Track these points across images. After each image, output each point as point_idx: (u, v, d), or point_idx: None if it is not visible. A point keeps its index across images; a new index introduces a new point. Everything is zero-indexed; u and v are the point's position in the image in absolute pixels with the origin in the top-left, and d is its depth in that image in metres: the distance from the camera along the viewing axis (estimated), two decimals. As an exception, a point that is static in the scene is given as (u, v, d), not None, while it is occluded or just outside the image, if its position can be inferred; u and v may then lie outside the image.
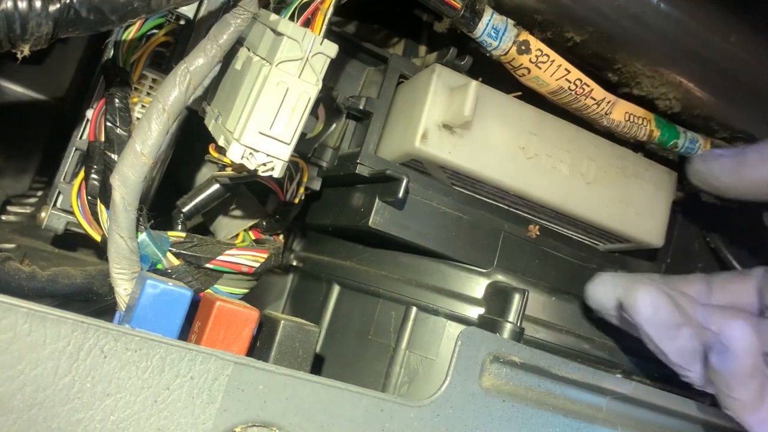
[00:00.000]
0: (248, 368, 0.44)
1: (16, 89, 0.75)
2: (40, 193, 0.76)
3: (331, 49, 0.47)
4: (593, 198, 0.65)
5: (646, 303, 0.53)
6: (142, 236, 0.53)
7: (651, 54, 0.61)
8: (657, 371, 0.64)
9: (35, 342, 0.38)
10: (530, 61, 0.58)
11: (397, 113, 0.63)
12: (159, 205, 0.62)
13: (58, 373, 0.39)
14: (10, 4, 0.40)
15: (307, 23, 0.48)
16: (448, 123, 0.58)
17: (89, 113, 0.57)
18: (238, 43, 0.52)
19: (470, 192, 0.65)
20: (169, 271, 0.55)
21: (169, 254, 0.55)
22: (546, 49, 0.58)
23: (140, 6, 0.43)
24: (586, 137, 0.65)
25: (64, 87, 0.75)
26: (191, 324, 0.50)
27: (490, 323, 0.57)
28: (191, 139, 0.67)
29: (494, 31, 0.56)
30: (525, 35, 0.57)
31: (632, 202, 0.66)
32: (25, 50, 0.41)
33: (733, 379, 0.52)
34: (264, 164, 0.48)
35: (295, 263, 0.77)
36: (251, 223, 0.65)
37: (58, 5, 0.41)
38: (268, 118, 0.47)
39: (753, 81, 0.62)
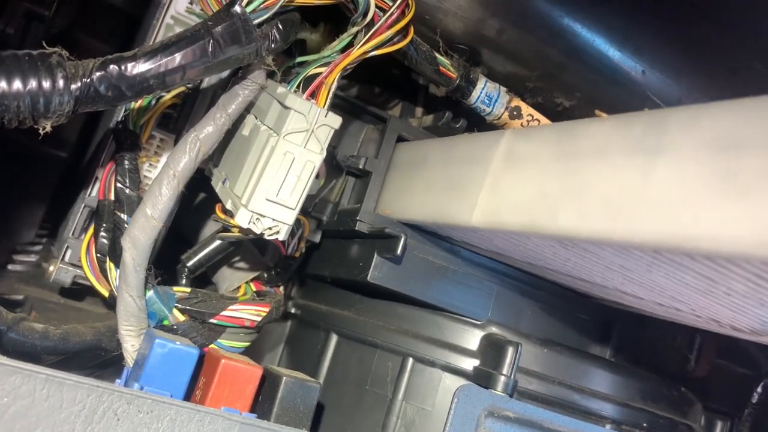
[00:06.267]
0: (254, 428, 0.45)
1: (23, 141, 0.77)
2: (44, 241, 0.78)
3: (335, 121, 0.50)
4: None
5: None
6: (150, 294, 0.55)
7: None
8: (646, 421, 0.66)
9: (52, 406, 0.40)
10: (521, 125, 0.61)
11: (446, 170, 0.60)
12: (161, 254, 0.63)
13: (73, 436, 0.41)
14: (34, 84, 0.42)
15: (313, 95, 0.50)
16: None
17: (99, 172, 0.60)
18: (246, 109, 0.54)
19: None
20: (175, 327, 0.56)
21: (175, 310, 0.56)
22: (536, 114, 0.61)
23: (155, 83, 0.45)
24: None
25: (70, 140, 0.78)
26: (196, 378, 0.52)
27: (484, 375, 0.59)
28: (194, 191, 0.69)
29: (487, 98, 0.59)
30: (516, 101, 0.61)
31: None
32: (47, 126, 0.43)
33: None
34: (270, 228, 0.50)
35: (293, 310, 0.79)
36: (253, 275, 0.66)
37: (79, 83, 0.43)
38: (275, 185, 0.49)
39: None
